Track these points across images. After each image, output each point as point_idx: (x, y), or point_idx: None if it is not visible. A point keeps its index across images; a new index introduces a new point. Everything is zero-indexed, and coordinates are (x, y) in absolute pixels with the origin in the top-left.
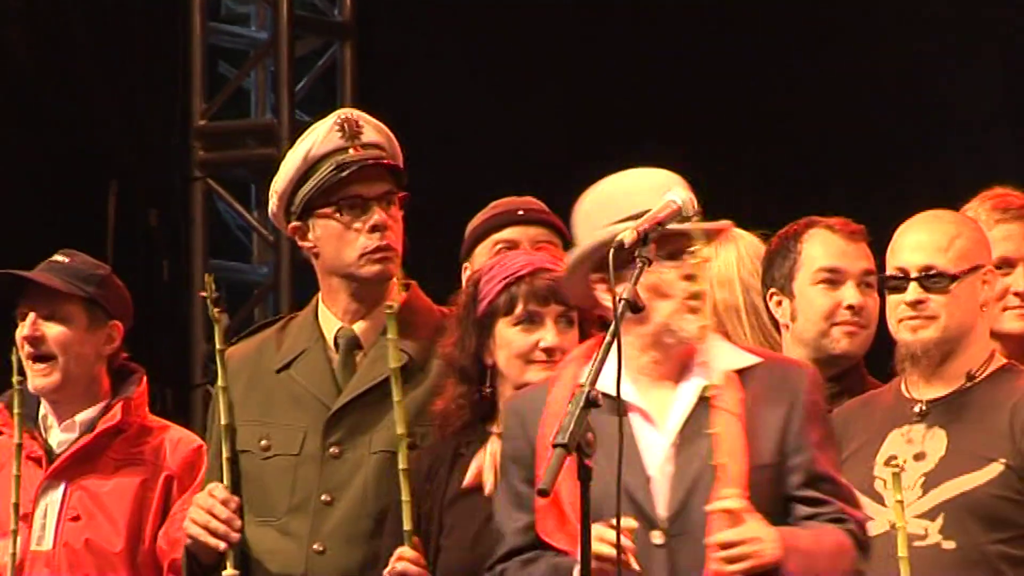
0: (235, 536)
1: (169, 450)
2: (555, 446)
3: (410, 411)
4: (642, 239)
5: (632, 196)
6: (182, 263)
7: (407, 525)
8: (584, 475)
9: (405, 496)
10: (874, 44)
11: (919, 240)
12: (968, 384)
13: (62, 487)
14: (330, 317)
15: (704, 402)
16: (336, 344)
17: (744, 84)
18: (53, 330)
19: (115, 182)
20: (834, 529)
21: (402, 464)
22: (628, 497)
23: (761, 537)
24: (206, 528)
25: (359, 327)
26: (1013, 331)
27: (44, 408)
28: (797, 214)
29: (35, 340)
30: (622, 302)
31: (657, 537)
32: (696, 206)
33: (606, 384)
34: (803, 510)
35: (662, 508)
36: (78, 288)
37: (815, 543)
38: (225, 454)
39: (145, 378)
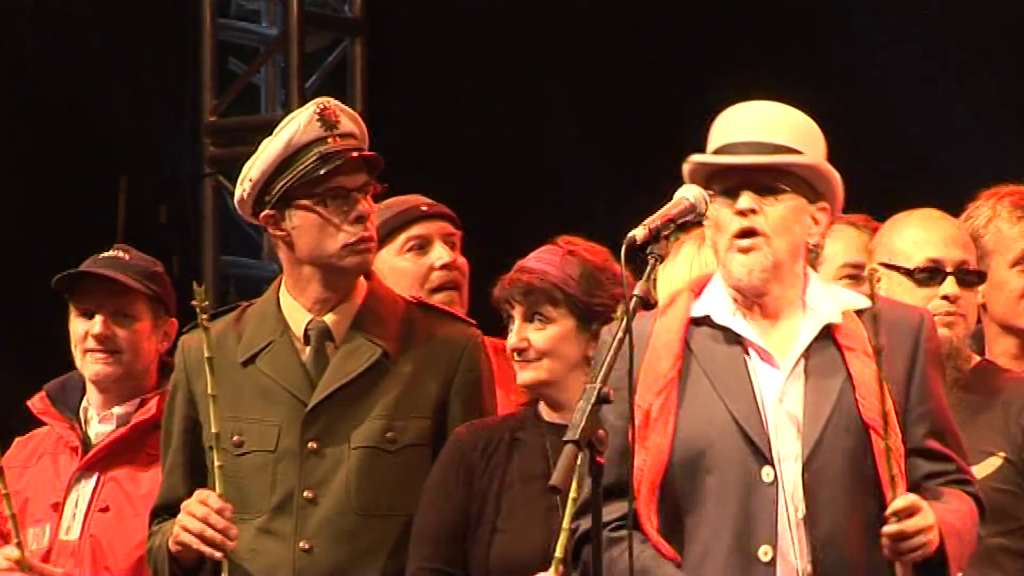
0: (232, 545)
1: None
2: (565, 443)
3: (389, 405)
4: (653, 236)
5: (738, 127)
6: (192, 259)
7: (559, 553)
8: (595, 471)
9: (566, 524)
10: (873, 42)
11: (951, 235)
12: (957, 376)
13: (95, 478)
14: (297, 308)
15: (825, 340)
16: (306, 336)
17: (742, 85)
18: (123, 328)
19: (125, 178)
20: (962, 496)
21: (573, 493)
22: (738, 429)
23: (933, 526)
24: (200, 537)
25: (330, 319)
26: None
27: (86, 400)
28: None
29: (105, 339)
30: (633, 299)
31: (767, 475)
32: (708, 202)
33: (722, 316)
34: (924, 466)
35: (784, 443)
36: (145, 286)
37: (959, 520)
38: (217, 462)
39: None
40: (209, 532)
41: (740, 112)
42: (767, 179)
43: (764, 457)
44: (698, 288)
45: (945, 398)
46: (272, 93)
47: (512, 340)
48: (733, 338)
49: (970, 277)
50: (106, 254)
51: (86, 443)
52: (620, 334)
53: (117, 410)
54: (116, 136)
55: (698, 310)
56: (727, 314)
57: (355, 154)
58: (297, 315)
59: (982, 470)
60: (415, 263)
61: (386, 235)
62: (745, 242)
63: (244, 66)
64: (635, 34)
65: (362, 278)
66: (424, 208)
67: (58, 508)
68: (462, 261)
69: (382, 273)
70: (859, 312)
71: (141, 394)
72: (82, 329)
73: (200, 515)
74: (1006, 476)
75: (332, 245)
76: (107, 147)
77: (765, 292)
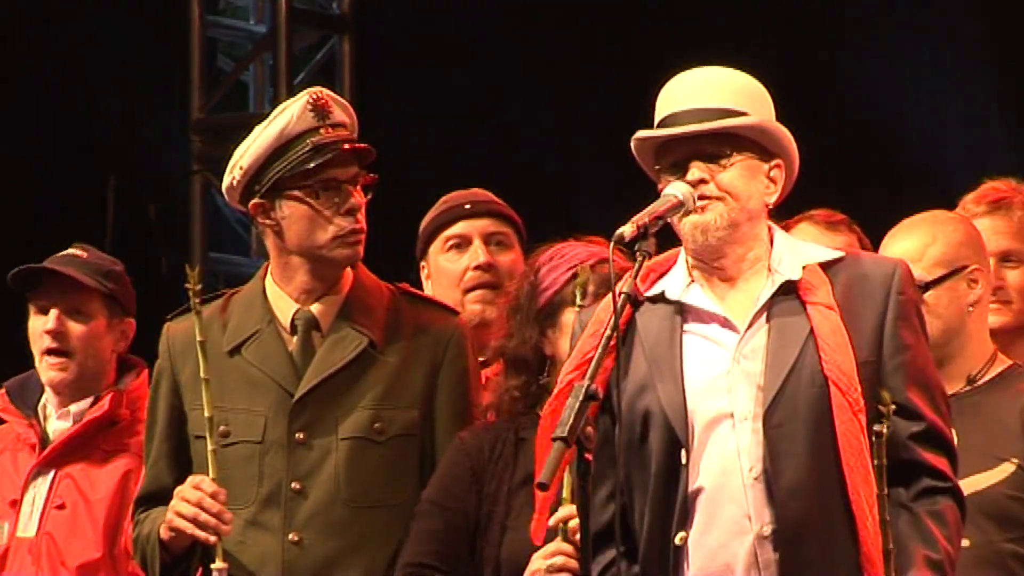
0: (226, 529)
1: None
2: (554, 439)
3: (377, 395)
4: (641, 233)
5: (679, 96)
6: (181, 257)
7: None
8: (583, 469)
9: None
10: (867, 41)
11: (904, 248)
12: (968, 388)
13: (51, 475)
14: (283, 297)
15: (788, 295)
16: (293, 326)
17: None
18: (76, 326)
19: (114, 177)
20: (941, 512)
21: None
22: (662, 415)
23: None
24: (194, 521)
25: (316, 308)
26: (991, 325)
27: (44, 397)
28: (791, 211)
29: (58, 335)
30: (622, 296)
31: (684, 457)
32: (696, 200)
33: (675, 290)
34: (902, 426)
35: (741, 403)
36: (100, 284)
37: (944, 554)
38: (210, 446)
39: (145, 371)
40: (203, 516)
41: (680, 81)
42: (712, 145)
43: (679, 441)
44: (662, 268)
45: (924, 349)
46: (260, 90)
47: None
48: (677, 309)
49: None
50: (64, 252)
51: (44, 440)
52: (608, 331)
53: (73, 408)
54: (105, 133)
55: (657, 288)
56: (681, 288)
57: (347, 146)
58: (283, 304)
59: (994, 476)
60: (454, 263)
61: (431, 233)
62: (701, 202)
63: (232, 63)
64: (628, 30)
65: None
66: (467, 206)
67: (16, 505)
68: (505, 259)
69: (433, 269)
70: (825, 266)
71: (93, 391)
72: (39, 327)
73: (194, 500)
74: (1019, 483)
75: (323, 236)
76: (96, 145)
77: (723, 254)
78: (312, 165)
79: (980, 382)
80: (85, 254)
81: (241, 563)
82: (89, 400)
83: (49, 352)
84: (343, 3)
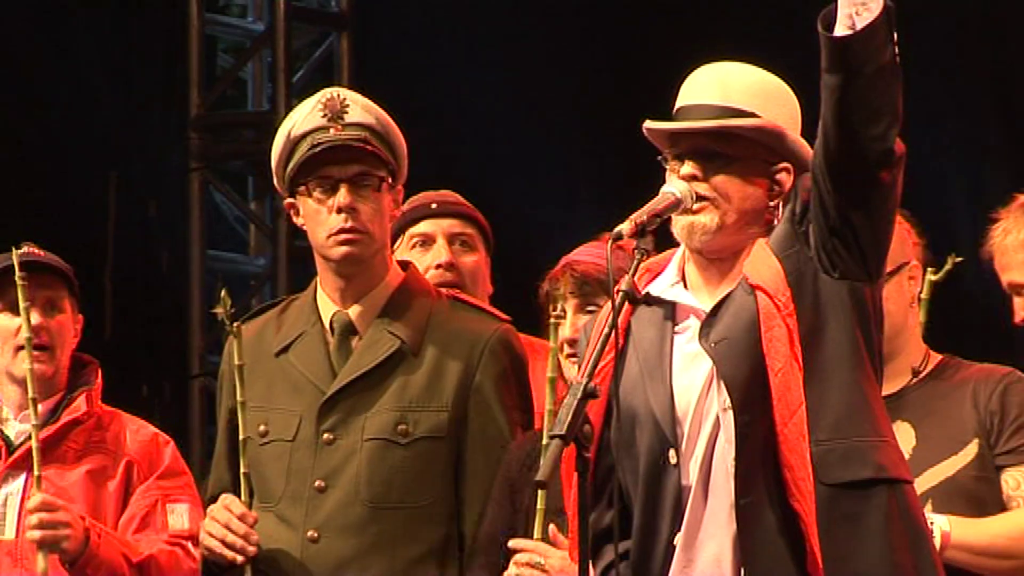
0: (252, 550)
1: (129, 437)
2: (551, 437)
3: (404, 397)
4: (639, 231)
5: (694, 89)
6: (180, 254)
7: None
8: (582, 466)
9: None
10: None
11: None
12: (915, 380)
13: (23, 477)
14: (326, 300)
15: (745, 290)
16: (331, 328)
17: None
18: (53, 321)
19: (115, 173)
20: None
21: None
22: (651, 415)
23: None
24: (222, 542)
25: (353, 311)
26: None
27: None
28: None
29: (40, 330)
30: (620, 294)
31: (673, 456)
32: (695, 198)
33: (662, 288)
34: None
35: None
36: (72, 278)
37: None
38: (243, 468)
39: (100, 368)
40: (231, 537)
41: (699, 74)
42: (713, 144)
43: (665, 441)
44: (658, 267)
45: None
46: (259, 87)
47: (567, 332)
48: (668, 312)
49: None
50: (20, 251)
51: (7, 442)
52: (607, 329)
53: (40, 408)
54: (104, 130)
55: (650, 288)
56: (666, 286)
57: (358, 144)
58: (327, 307)
59: (960, 460)
60: (418, 262)
61: (397, 232)
62: (695, 204)
63: (231, 60)
64: (628, 23)
65: (398, 268)
66: (434, 205)
67: None
68: (468, 261)
69: None
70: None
71: (55, 389)
72: (12, 324)
73: (222, 520)
74: (984, 463)
75: (321, 234)
76: (96, 141)
77: (715, 254)
78: (307, 161)
79: (923, 374)
80: (41, 252)
81: (266, 557)
82: (54, 400)
83: (36, 347)
84: (341, 1)
